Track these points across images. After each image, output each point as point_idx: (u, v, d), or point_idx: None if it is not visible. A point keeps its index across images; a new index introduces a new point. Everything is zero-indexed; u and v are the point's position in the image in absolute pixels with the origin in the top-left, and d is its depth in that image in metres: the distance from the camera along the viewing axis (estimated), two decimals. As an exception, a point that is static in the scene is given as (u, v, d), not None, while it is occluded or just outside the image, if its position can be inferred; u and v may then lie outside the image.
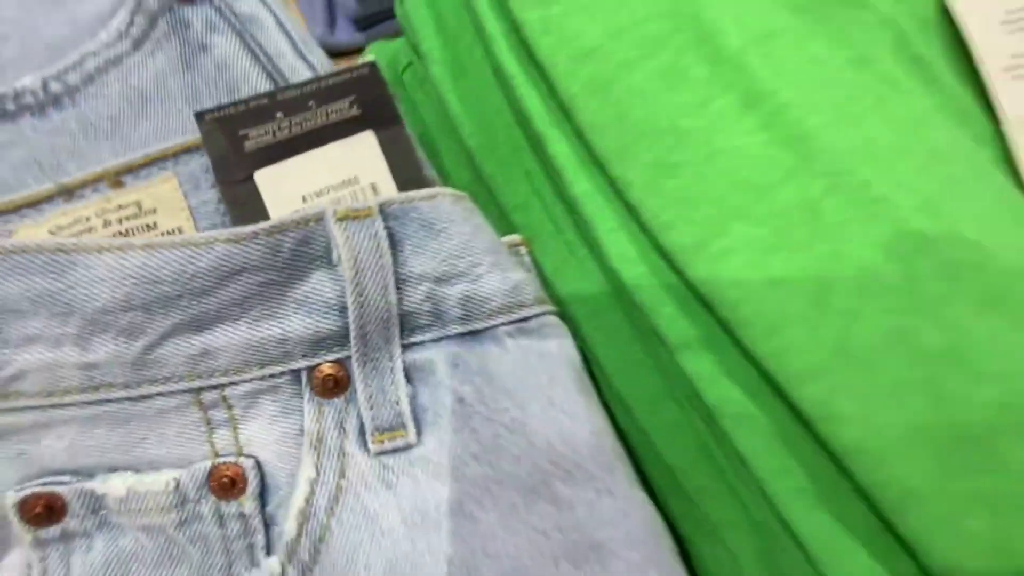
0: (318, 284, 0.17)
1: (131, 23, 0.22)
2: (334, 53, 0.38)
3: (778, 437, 0.16)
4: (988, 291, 0.15)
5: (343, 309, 0.17)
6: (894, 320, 0.15)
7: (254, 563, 0.18)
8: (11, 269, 0.15)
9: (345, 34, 0.39)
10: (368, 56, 0.28)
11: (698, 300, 0.16)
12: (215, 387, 0.17)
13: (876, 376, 0.14)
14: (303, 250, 0.17)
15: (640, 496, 0.18)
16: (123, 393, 0.16)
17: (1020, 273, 0.16)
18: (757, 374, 0.16)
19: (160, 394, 0.16)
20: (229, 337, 0.16)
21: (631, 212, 0.18)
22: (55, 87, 0.22)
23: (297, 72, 0.25)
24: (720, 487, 0.17)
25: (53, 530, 0.17)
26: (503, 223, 0.22)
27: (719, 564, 0.19)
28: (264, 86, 0.23)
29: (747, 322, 0.15)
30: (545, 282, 0.21)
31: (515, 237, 0.21)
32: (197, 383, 0.17)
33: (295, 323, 0.17)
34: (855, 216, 0.16)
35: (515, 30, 0.20)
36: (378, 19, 0.38)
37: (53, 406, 0.16)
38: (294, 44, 0.25)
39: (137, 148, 0.22)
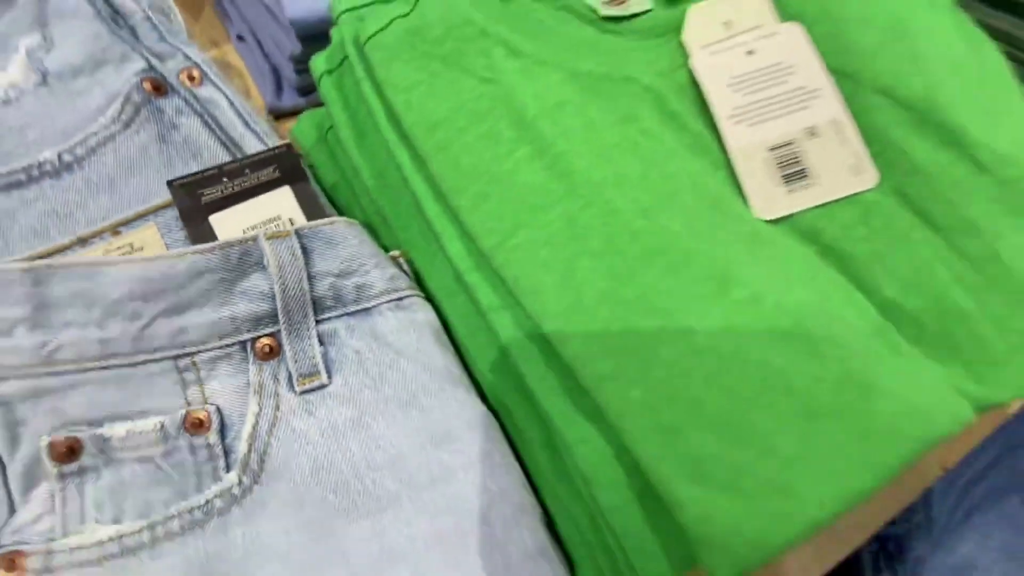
0: (256, 281, 0.26)
1: (121, 111, 0.31)
2: (281, 114, 0.47)
3: (541, 358, 0.24)
4: (672, 261, 0.24)
5: (273, 297, 0.26)
6: (608, 282, 0.24)
7: (217, 479, 0.26)
8: (60, 278, 0.23)
9: (289, 99, 0.47)
10: (302, 120, 0.37)
11: (500, 280, 0.25)
12: (188, 355, 0.25)
13: (594, 317, 0.23)
14: (245, 259, 0.26)
15: (474, 400, 0.26)
16: (127, 360, 0.24)
17: (698, 251, 0.25)
18: (532, 324, 0.24)
19: (151, 360, 0.25)
20: (198, 318, 0.25)
21: (463, 227, 0.26)
22: (67, 158, 0.30)
23: (245, 139, 0.34)
24: (520, 398, 0.26)
25: (73, 466, 0.25)
26: (392, 238, 0.31)
27: (526, 448, 0.27)
28: (220, 152, 0.32)
29: (523, 291, 0.24)
30: (418, 277, 0.30)
31: (395, 252, 0.30)
32: (175, 352, 0.25)
33: (241, 308, 0.25)
34: (597, 223, 0.25)
35: (389, 107, 0.29)
36: (314, 87, 0.47)
37: (79, 371, 0.24)
38: (243, 117, 0.34)
39: (127, 202, 0.31)
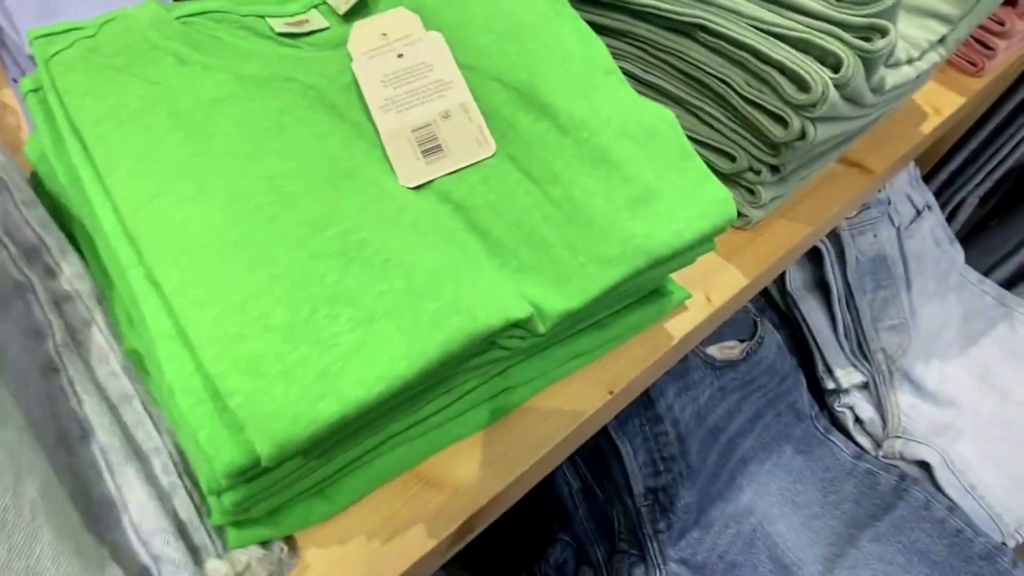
0: None
1: None
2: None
3: (157, 299, 0.28)
4: (276, 213, 0.29)
5: None
6: (216, 232, 0.28)
7: None
8: None
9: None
10: (30, 139, 0.40)
11: (133, 240, 0.30)
12: None
13: (195, 259, 0.28)
14: None
15: None
16: None
17: (307, 206, 0.30)
18: (150, 272, 0.29)
19: None
20: None
21: (113, 201, 0.31)
22: None
23: None
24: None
25: None
26: (76, 224, 0.35)
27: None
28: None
29: (145, 247, 0.28)
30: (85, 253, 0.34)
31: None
32: None
33: None
34: (223, 188, 0.30)
35: (66, 111, 0.33)
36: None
37: None
38: None
39: None
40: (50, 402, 0.30)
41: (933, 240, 0.97)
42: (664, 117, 0.36)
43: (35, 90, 0.36)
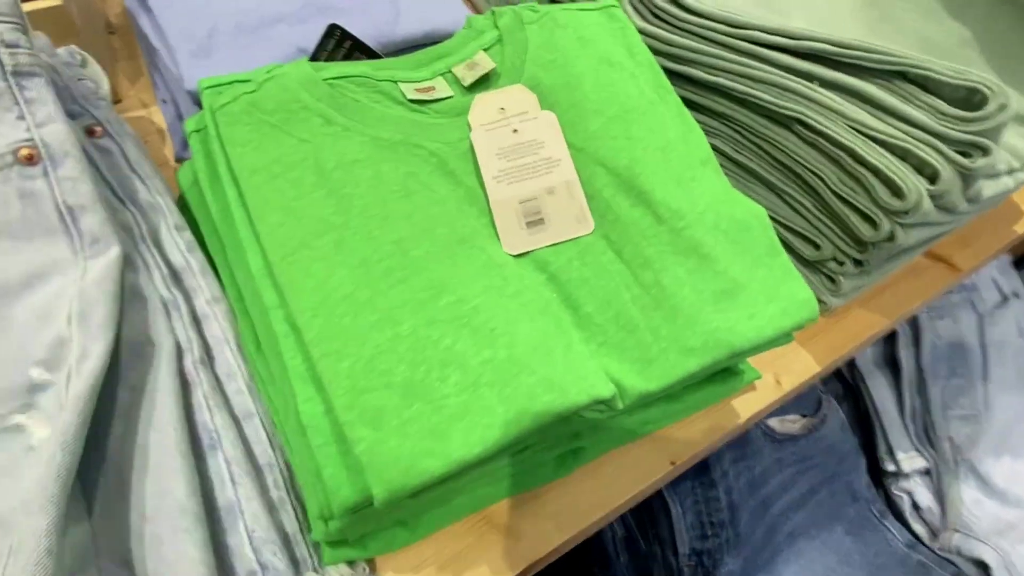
0: None
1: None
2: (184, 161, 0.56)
3: (295, 343, 0.32)
4: (403, 276, 0.33)
5: None
6: (351, 288, 0.32)
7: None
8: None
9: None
10: (183, 167, 0.46)
11: (278, 285, 0.34)
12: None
13: (332, 312, 0.32)
14: None
15: None
16: None
17: (429, 270, 0.34)
18: (292, 317, 0.33)
19: None
20: None
21: (262, 246, 0.35)
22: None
23: (130, 179, 0.43)
24: (281, 372, 0.34)
25: None
26: (225, 257, 0.40)
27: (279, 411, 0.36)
28: (104, 188, 0.41)
29: (289, 292, 0.33)
30: (235, 284, 0.39)
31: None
32: None
33: None
34: (359, 247, 0.34)
35: (228, 159, 0.38)
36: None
37: None
38: (128, 163, 0.43)
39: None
40: (187, 412, 0.35)
41: (1018, 329, 0.93)
42: (756, 212, 0.38)
43: (198, 130, 0.42)
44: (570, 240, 0.38)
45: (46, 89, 0.37)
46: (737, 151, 0.49)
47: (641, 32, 0.49)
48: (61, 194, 0.37)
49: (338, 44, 0.50)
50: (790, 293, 0.36)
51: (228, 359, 0.38)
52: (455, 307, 0.32)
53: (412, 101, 0.42)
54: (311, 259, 0.34)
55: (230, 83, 0.41)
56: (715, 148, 0.48)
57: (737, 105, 0.47)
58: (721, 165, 0.48)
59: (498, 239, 0.38)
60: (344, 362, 0.30)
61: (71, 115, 0.43)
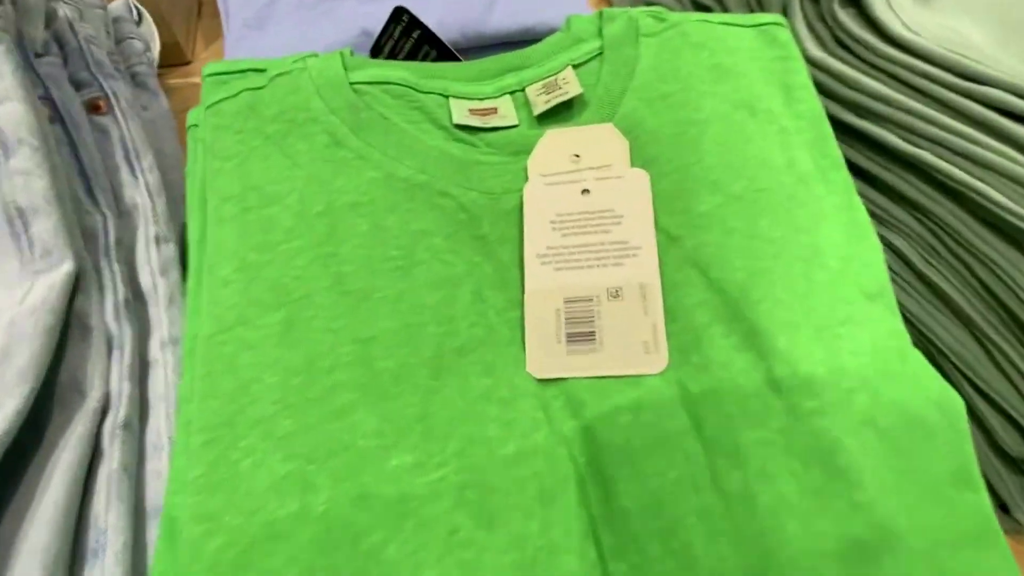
0: None
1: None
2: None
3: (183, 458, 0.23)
4: (347, 404, 0.22)
5: None
6: (272, 408, 0.23)
7: None
8: None
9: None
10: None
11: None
12: None
13: (232, 446, 0.22)
14: None
15: None
16: None
17: (390, 398, 0.22)
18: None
19: None
20: None
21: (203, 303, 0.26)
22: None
23: (119, 169, 0.36)
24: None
25: None
26: None
27: None
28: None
29: (200, 391, 0.23)
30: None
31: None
32: None
33: None
34: (309, 337, 0.24)
35: (205, 171, 0.29)
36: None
37: None
38: (125, 149, 0.36)
39: None
40: (83, 497, 0.27)
41: None
42: (947, 404, 0.23)
43: (195, 125, 0.33)
44: (628, 377, 0.25)
45: (4, 58, 0.30)
46: (928, 262, 0.33)
47: (813, 65, 0.34)
48: (11, 191, 0.30)
49: (405, 32, 0.40)
50: (978, 565, 0.21)
51: (160, 426, 0.30)
52: (407, 477, 0.21)
53: (459, 127, 0.31)
54: (243, 346, 0.24)
55: (241, 72, 0.32)
56: (893, 251, 0.32)
57: (945, 196, 0.31)
58: (897, 277, 0.32)
59: (522, 350, 0.26)
60: (213, 541, 0.20)
61: (77, 84, 0.36)
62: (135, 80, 0.43)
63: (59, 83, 0.36)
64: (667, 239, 0.27)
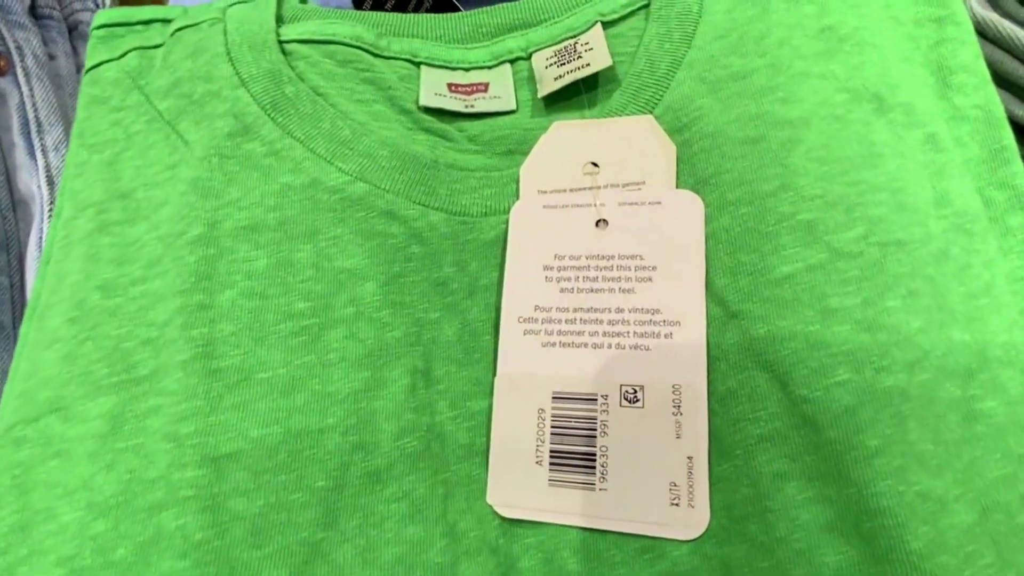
0: None
1: None
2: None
3: None
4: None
5: None
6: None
7: None
8: None
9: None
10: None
11: None
12: None
13: None
14: None
15: None
16: None
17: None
18: None
19: None
20: None
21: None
22: None
23: (15, 147, 0.28)
24: None
25: None
26: None
27: None
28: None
29: None
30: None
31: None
32: None
33: None
34: (139, 440, 0.15)
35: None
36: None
37: None
38: (25, 118, 0.28)
39: None
40: None
41: None
42: None
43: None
44: (642, 539, 0.16)
45: None
46: None
47: (983, 33, 0.22)
48: None
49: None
50: None
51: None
52: None
53: (428, 110, 0.21)
54: (47, 451, 0.16)
55: (143, 24, 0.23)
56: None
57: None
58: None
59: (483, 469, 0.17)
60: None
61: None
62: (76, 31, 0.35)
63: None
64: (724, 315, 0.16)
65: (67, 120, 0.29)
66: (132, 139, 0.20)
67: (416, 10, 0.30)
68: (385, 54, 0.22)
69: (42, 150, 0.28)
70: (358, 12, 0.23)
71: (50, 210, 0.27)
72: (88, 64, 0.22)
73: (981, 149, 0.18)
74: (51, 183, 0.28)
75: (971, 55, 0.19)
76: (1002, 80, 0.23)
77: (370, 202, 0.19)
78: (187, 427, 0.15)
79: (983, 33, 0.23)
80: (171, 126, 0.20)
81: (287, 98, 0.20)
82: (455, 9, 0.30)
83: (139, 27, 0.23)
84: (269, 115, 0.20)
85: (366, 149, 0.20)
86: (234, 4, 0.23)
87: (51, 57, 0.31)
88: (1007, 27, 0.22)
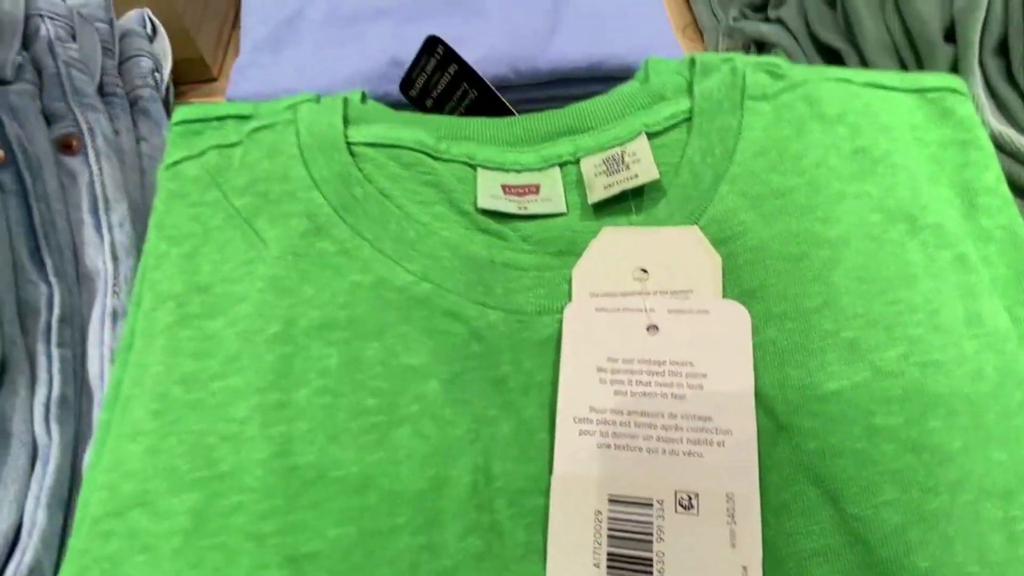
0: None
1: None
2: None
3: None
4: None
5: None
6: None
7: None
8: None
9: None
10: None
11: None
12: None
13: None
14: None
15: None
16: None
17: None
18: None
19: None
20: None
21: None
22: None
23: (83, 224, 0.30)
24: None
25: None
26: None
27: None
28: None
29: None
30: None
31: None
32: None
33: None
34: (223, 541, 0.16)
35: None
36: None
37: None
38: (94, 197, 0.30)
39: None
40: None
41: None
42: None
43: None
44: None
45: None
46: None
47: (1001, 148, 0.24)
48: None
49: (439, 67, 0.32)
50: None
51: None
52: None
53: (483, 212, 0.23)
54: (134, 546, 0.17)
55: (218, 120, 0.25)
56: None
57: None
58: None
59: (541, 567, 0.18)
60: None
61: (51, 117, 0.31)
62: (136, 106, 0.38)
63: (25, 116, 0.30)
64: (774, 427, 0.18)
65: (130, 196, 0.31)
66: (210, 234, 0.22)
67: (463, 100, 0.32)
68: (444, 157, 0.23)
69: (108, 227, 0.30)
70: (418, 115, 0.25)
71: (114, 285, 0.29)
72: (168, 160, 0.24)
73: (1008, 269, 0.19)
74: (115, 258, 0.29)
75: (994, 178, 0.20)
76: (1020, 191, 0.24)
77: (434, 301, 0.20)
78: (268, 526, 0.16)
79: (1001, 147, 0.24)
80: (248, 223, 0.22)
81: (356, 200, 0.22)
82: (499, 103, 0.32)
83: (215, 123, 0.25)
84: (340, 216, 0.22)
85: (429, 250, 0.21)
86: (303, 102, 0.25)
87: (116, 133, 0.33)
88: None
